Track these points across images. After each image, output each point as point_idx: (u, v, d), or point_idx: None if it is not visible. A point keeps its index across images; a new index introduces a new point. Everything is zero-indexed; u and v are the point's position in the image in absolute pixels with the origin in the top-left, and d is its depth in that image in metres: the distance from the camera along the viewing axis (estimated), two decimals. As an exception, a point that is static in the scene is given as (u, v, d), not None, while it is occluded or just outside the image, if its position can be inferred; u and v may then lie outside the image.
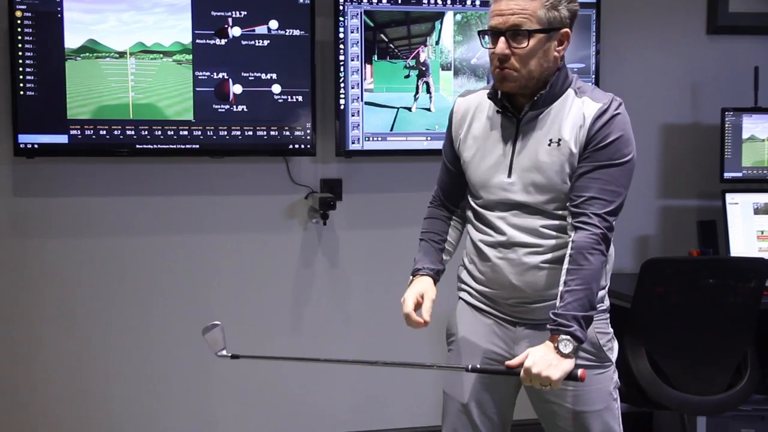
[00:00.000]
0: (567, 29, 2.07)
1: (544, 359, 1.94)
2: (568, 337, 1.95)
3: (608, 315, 2.20)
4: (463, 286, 2.28)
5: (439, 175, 2.32)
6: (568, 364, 1.94)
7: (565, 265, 2.01)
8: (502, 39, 2.02)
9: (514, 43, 2.02)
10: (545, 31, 2.02)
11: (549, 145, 2.07)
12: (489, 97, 2.15)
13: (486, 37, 2.08)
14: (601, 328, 2.15)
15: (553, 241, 2.10)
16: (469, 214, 2.24)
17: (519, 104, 2.11)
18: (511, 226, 2.11)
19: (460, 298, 2.30)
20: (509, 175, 2.11)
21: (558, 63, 2.09)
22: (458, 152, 2.21)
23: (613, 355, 2.19)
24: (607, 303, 2.20)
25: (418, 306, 2.13)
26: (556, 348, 1.95)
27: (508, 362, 2.03)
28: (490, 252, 2.15)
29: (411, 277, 2.22)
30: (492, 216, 2.14)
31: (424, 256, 2.25)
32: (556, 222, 2.10)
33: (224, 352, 2.16)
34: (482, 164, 2.15)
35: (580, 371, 1.95)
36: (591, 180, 2.04)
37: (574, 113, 2.07)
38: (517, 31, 2.01)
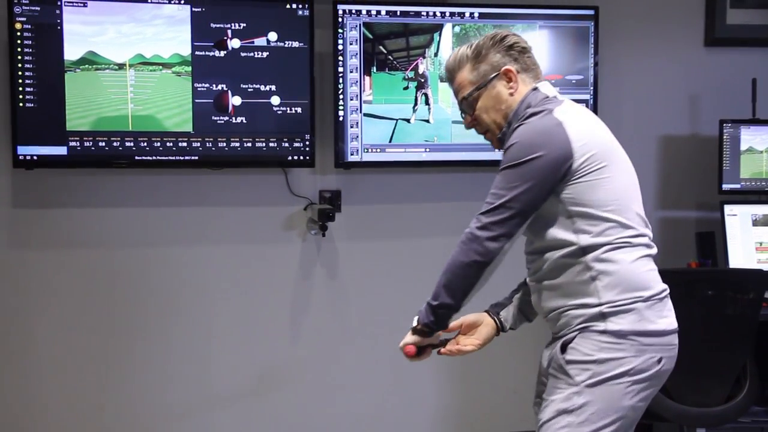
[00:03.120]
0: (505, 67, 2.15)
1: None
2: (417, 315, 2.17)
3: (609, 337, 2.02)
4: None
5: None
6: (409, 337, 2.18)
7: None
8: (463, 113, 2.25)
9: (470, 111, 2.21)
10: (481, 87, 2.16)
11: None
12: None
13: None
14: (584, 347, 2.04)
15: (535, 264, 2.15)
16: None
17: None
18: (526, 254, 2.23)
19: None
20: None
21: (519, 97, 2.15)
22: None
23: (584, 380, 2.02)
24: (607, 325, 2.02)
25: None
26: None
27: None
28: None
29: None
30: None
31: None
32: (538, 245, 2.13)
33: None
34: None
35: (403, 344, 2.19)
36: None
37: None
38: (463, 101, 2.21)
